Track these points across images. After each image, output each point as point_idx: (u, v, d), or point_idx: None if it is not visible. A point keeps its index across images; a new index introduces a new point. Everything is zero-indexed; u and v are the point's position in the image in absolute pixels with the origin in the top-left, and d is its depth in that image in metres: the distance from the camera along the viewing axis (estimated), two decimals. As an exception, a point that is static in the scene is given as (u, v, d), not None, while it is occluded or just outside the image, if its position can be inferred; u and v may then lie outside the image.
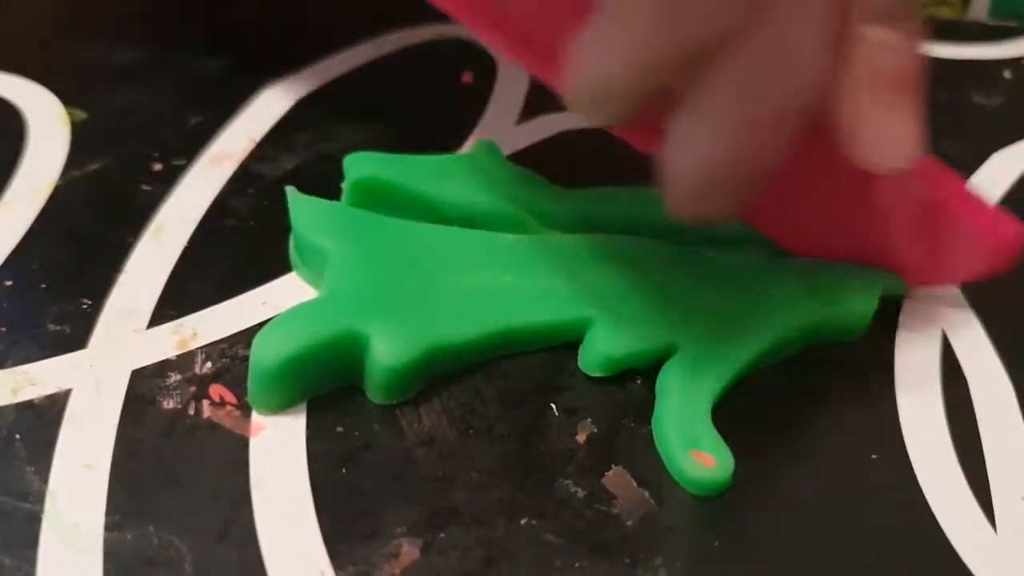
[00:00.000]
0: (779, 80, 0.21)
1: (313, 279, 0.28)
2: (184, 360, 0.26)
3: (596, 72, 0.22)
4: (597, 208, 0.30)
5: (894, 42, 0.23)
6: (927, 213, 0.27)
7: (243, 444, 0.25)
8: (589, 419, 0.26)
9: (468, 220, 0.29)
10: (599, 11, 0.21)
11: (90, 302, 0.27)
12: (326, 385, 0.25)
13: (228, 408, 0.25)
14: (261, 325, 0.26)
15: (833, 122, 0.23)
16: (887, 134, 0.23)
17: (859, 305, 0.28)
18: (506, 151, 0.32)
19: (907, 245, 0.28)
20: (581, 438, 0.25)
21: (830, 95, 0.23)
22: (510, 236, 0.28)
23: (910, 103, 0.23)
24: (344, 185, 0.29)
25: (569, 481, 0.24)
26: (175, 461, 0.24)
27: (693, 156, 0.22)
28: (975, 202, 0.27)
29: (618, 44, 0.21)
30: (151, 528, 0.23)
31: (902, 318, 0.29)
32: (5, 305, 0.27)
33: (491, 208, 0.29)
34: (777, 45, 0.21)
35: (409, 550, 0.23)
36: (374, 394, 0.25)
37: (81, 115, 0.33)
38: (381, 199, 0.29)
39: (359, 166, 0.29)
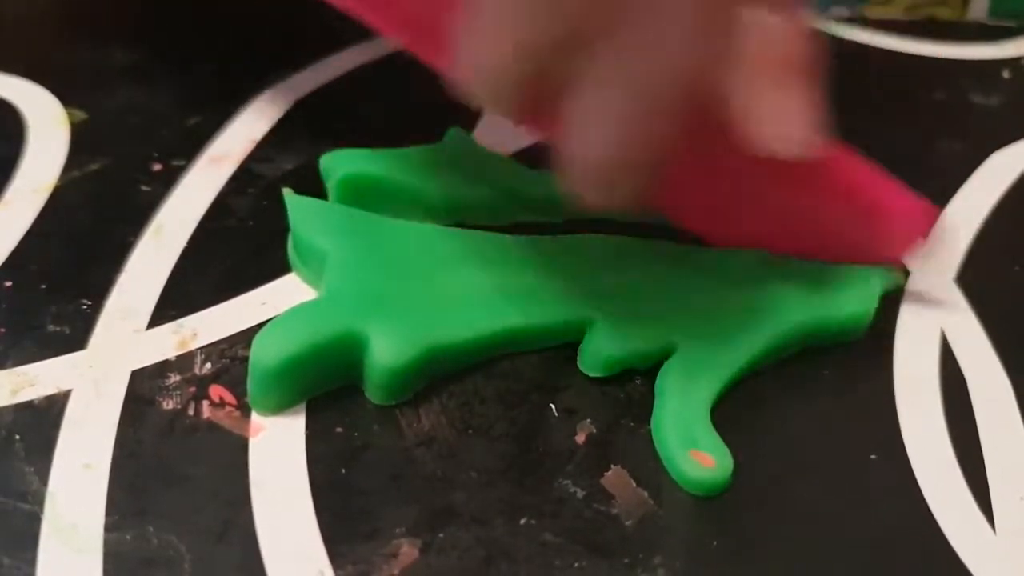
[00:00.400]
0: (656, 67, 0.21)
1: (312, 279, 0.28)
2: (184, 360, 0.26)
3: (480, 61, 0.22)
4: None
5: (780, 26, 0.23)
6: (840, 197, 0.28)
7: (242, 444, 0.25)
8: (588, 419, 0.26)
9: (455, 209, 0.29)
10: None
11: (90, 303, 0.27)
12: (325, 385, 0.25)
13: (228, 408, 0.25)
14: (261, 325, 0.26)
15: (727, 109, 0.23)
16: (778, 118, 0.23)
17: (858, 306, 0.28)
18: (507, 150, 0.32)
19: (823, 230, 0.28)
20: (580, 438, 0.25)
21: (721, 81, 0.23)
22: (509, 236, 0.28)
23: (800, 86, 0.23)
24: (329, 185, 0.29)
25: (568, 481, 0.24)
26: (175, 461, 0.24)
27: (584, 144, 0.22)
28: (885, 182, 0.28)
29: (498, 30, 0.21)
30: (151, 528, 0.23)
31: (901, 318, 0.29)
32: (4, 306, 0.27)
33: (477, 196, 0.29)
34: (652, 32, 0.21)
35: (408, 550, 0.23)
36: (373, 394, 0.25)
37: (81, 115, 0.33)
38: (367, 195, 0.29)
39: (341, 164, 0.29)
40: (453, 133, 0.31)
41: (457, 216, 0.29)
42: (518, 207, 0.30)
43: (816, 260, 0.28)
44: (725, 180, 0.27)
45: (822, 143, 0.24)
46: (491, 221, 0.30)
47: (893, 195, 0.28)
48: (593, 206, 0.24)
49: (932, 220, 0.28)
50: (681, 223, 0.29)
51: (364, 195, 0.29)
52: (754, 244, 0.28)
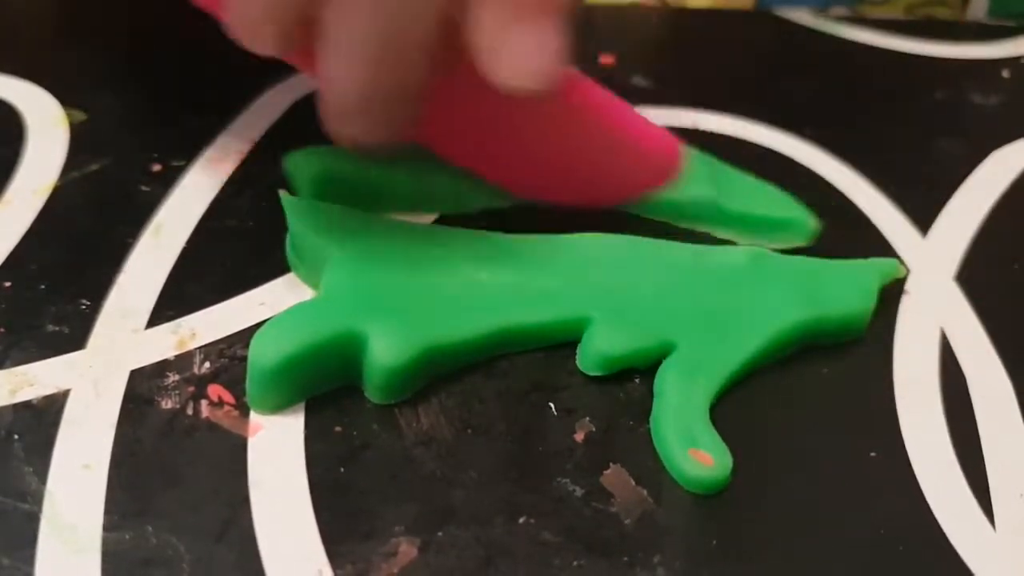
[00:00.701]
0: (391, 9, 0.22)
1: (311, 279, 0.28)
2: (182, 360, 0.26)
3: (246, 5, 0.23)
4: None
5: None
6: (591, 130, 0.29)
7: (241, 444, 0.25)
8: (587, 418, 0.26)
9: (422, 198, 0.30)
10: None
11: (89, 302, 0.27)
12: (324, 385, 0.25)
13: (226, 408, 0.25)
14: (259, 325, 0.25)
15: (473, 44, 0.23)
16: (516, 53, 0.23)
17: (857, 305, 0.28)
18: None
19: (577, 164, 0.29)
20: (579, 437, 0.25)
21: (470, 18, 0.23)
22: (508, 236, 0.28)
23: (541, 20, 0.23)
24: (297, 184, 0.29)
25: (567, 480, 0.24)
26: (173, 461, 0.24)
27: (335, 79, 0.24)
28: (633, 116, 0.29)
29: None
30: (150, 528, 0.23)
31: (901, 315, 0.29)
32: (4, 306, 0.27)
33: (446, 186, 0.30)
34: None
35: (407, 549, 0.23)
36: (372, 394, 0.25)
37: (80, 116, 0.33)
38: (335, 192, 0.29)
39: (307, 163, 0.29)
40: None
41: (426, 206, 0.30)
42: (484, 192, 0.30)
43: (816, 259, 0.29)
44: (480, 113, 0.27)
45: (562, 79, 0.24)
46: (458, 209, 0.30)
47: (640, 126, 0.30)
48: (353, 141, 0.25)
49: (678, 150, 0.30)
50: (448, 158, 0.29)
51: (333, 191, 0.29)
52: (515, 181, 0.29)
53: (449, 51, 0.23)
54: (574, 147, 0.29)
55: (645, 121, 0.30)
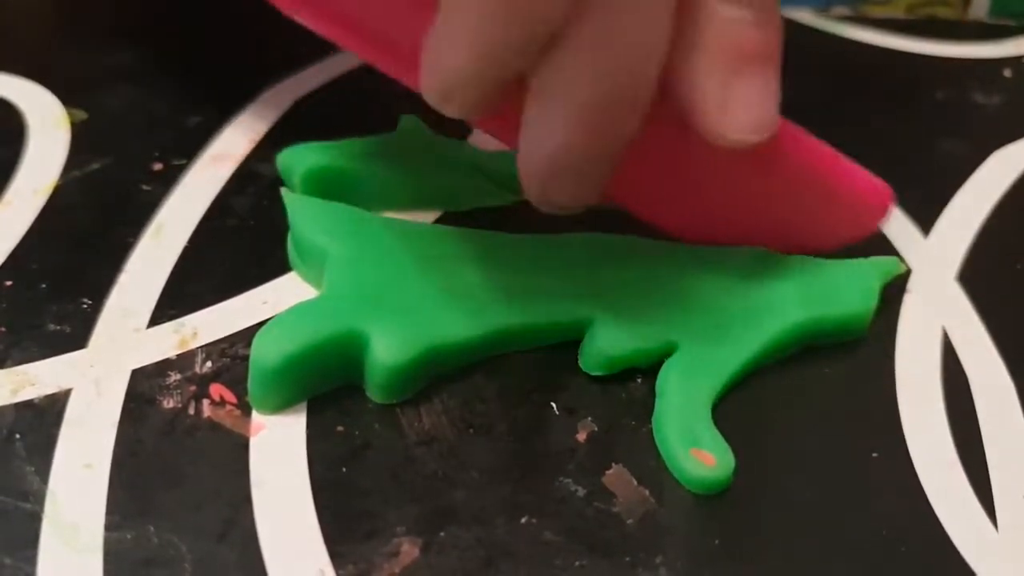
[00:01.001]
0: (618, 59, 0.21)
1: (313, 279, 0.28)
2: (184, 360, 0.26)
3: (443, 64, 0.22)
4: None
5: (739, 15, 0.23)
6: (800, 182, 0.28)
7: (243, 444, 0.25)
8: (589, 418, 0.26)
9: (417, 196, 0.30)
10: (441, 5, 0.22)
11: (90, 302, 0.27)
12: (326, 384, 0.25)
13: (228, 408, 0.25)
14: (261, 324, 0.25)
15: (686, 100, 0.23)
16: (736, 109, 0.23)
17: (859, 304, 0.28)
18: (508, 148, 0.32)
19: (786, 216, 0.28)
20: (581, 437, 0.25)
21: (682, 73, 0.23)
22: (510, 235, 0.28)
23: (758, 76, 0.23)
24: (291, 181, 0.29)
25: (569, 480, 0.24)
26: (175, 461, 0.24)
27: (544, 141, 0.23)
28: (841, 163, 0.28)
29: (459, 33, 0.21)
30: (151, 528, 0.23)
31: (902, 315, 0.29)
32: (5, 305, 0.27)
33: (437, 180, 0.30)
34: (613, 24, 0.21)
35: (409, 549, 0.23)
36: (374, 393, 0.25)
37: (81, 115, 0.33)
38: (329, 188, 0.29)
39: (301, 159, 0.29)
40: (405, 120, 0.31)
41: (426, 204, 0.30)
42: (479, 188, 0.30)
43: (816, 257, 0.28)
44: (683, 170, 0.27)
45: (778, 131, 0.24)
46: (459, 207, 0.30)
47: (849, 175, 0.28)
48: (557, 205, 0.24)
49: (888, 199, 0.29)
50: (642, 216, 0.29)
51: (327, 188, 0.29)
52: (714, 234, 0.28)
53: (656, 105, 0.23)
54: (772, 197, 0.28)
55: (854, 168, 0.28)
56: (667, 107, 0.23)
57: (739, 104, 0.23)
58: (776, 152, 0.26)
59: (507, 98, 0.23)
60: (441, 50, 0.22)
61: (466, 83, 0.22)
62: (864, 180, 0.28)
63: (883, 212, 0.29)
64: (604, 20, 0.21)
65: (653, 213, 0.28)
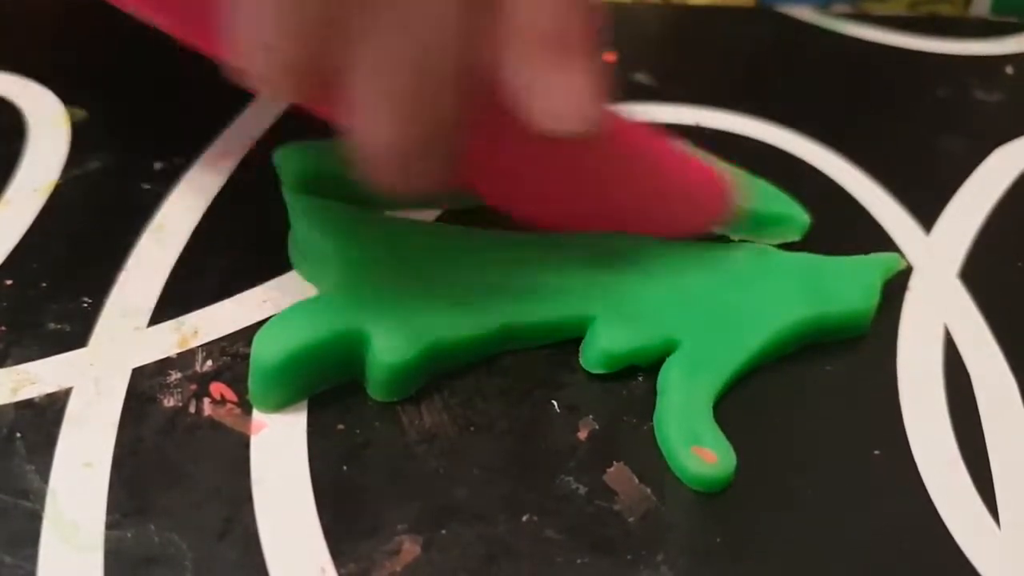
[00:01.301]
0: (417, 45, 0.21)
1: (313, 277, 0.28)
2: (185, 358, 0.26)
3: (247, 43, 0.22)
4: None
5: (556, 2, 0.22)
6: (643, 172, 0.28)
7: (244, 442, 0.25)
8: (590, 416, 0.26)
9: (424, 196, 0.29)
10: None
11: (90, 301, 0.27)
12: (327, 383, 0.25)
13: (229, 406, 0.25)
14: (262, 323, 0.25)
15: (509, 89, 0.22)
16: (554, 96, 0.22)
17: (861, 302, 0.28)
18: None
19: (630, 205, 0.28)
20: (582, 435, 0.25)
21: (503, 61, 0.22)
22: (511, 233, 0.28)
23: (580, 62, 0.22)
24: (286, 180, 0.29)
25: (571, 478, 0.24)
26: (176, 459, 0.24)
27: (366, 130, 0.22)
28: (685, 155, 0.28)
29: (260, 13, 0.21)
30: (152, 526, 0.23)
31: (904, 313, 0.29)
32: (5, 304, 0.27)
33: None
34: (404, 9, 0.21)
35: (410, 547, 0.23)
36: (375, 391, 0.25)
37: (81, 114, 0.33)
38: (330, 188, 0.29)
39: (296, 158, 0.29)
40: None
41: (421, 203, 0.30)
42: None
43: (818, 255, 0.28)
44: (524, 158, 0.26)
45: (608, 119, 0.23)
46: (460, 206, 0.30)
47: (688, 167, 0.28)
48: (395, 191, 0.23)
49: (728, 188, 0.29)
50: (490, 203, 0.28)
51: (326, 188, 0.29)
52: (563, 222, 0.28)
53: (487, 95, 0.23)
54: (617, 188, 0.28)
55: (695, 161, 0.29)
56: (497, 95, 0.23)
57: (553, 94, 0.22)
58: (614, 142, 0.26)
59: (327, 82, 0.22)
60: (244, 29, 0.21)
61: (280, 70, 0.22)
62: (703, 172, 0.29)
63: (724, 203, 0.29)
64: (406, 6, 0.21)
65: (504, 200, 0.28)
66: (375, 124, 0.22)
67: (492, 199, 0.28)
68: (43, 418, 0.25)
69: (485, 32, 0.22)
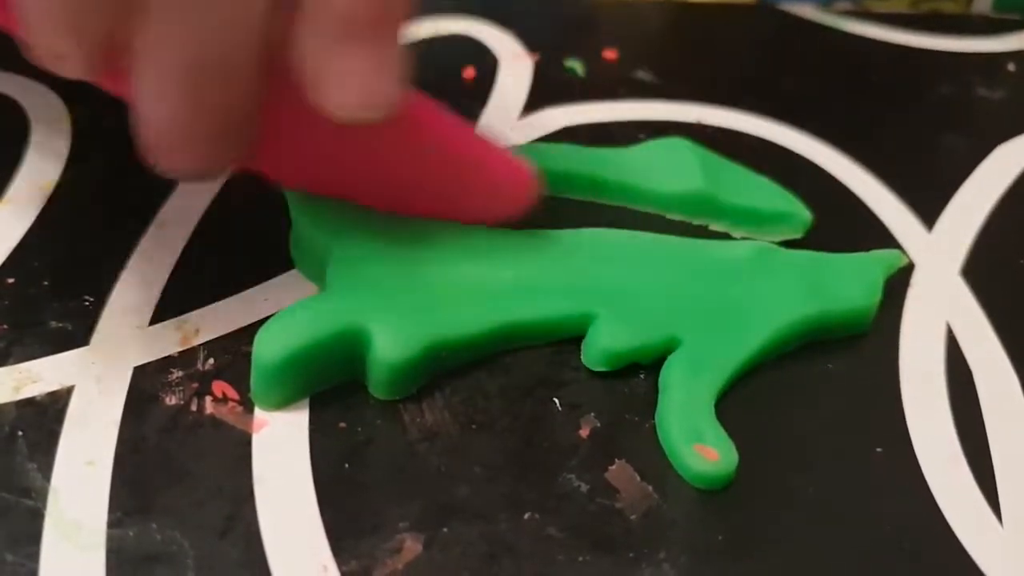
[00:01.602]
0: (205, 23, 0.20)
1: (314, 275, 0.28)
2: (186, 356, 0.26)
3: (41, 24, 0.20)
4: (549, 163, 0.30)
5: None
6: (441, 157, 0.27)
7: (246, 440, 0.25)
8: (592, 413, 0.26)
9: None
10: None
11: (92, 299, 0.27)
12: (328, 381, 0.25)
13: (230, 404, 0.25)
14: (263, 321, 0.25)
15: (299, 71, 0.22)
16: (349, 80, 0.21)
17: (863, 299, 0.28)
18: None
19: (430, 190, 0.28)
20: (584, 432, 0.25)
21: (293, 42, 0.21)
22: (512, 231, 0.28)
23: (372, 47, 0.21)
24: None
25: (572, 476, 0.24)
26: (177, 457, 0.24)
27: (153, 107, 0.21)
28: (486, 144, 0.28)
29: None
30: (154, 525, 0.23)
31: (907, 312, 0.29)
32: (7, 302, 0.27)
33: None
34: None
35: (412, 545, 0.23)
36: (376, 390, 0.25)
37: (83, 113, 0.33)
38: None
39: None
40: None
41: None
42: None
43: (818, 252, 0.28)
44: (317, 140, 0.26)
45: (399, 106, 0.22)
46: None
47: (491, 155, 0.28)
48: (183, 173, 0.23)
49: (530, 180, 0.28)
50: (282, 184, 0.28)
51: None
52: (365, 201, 0.28)
53: (278, 75, 0.22)
54: (414, 172, 0.27)
55: (496, 148, 0.29)
56: (287, 77, 0.22)
57: (345, 77, 0.21)
58: (410, 129, 0.26)
59: (123, 57, 0.21)
60: (31, 11, 0.20)
61: (64, 43, 0.20)
62: (506, 162, 0.28)
63: (527, 193, 0.28)
64: None
65: (296, 183, 0.28)
66: (156, 98, 0.21)
67: (281, 181, 0.28)
68: (45, 417, 0.25)
69: (279, 10, 0.21)
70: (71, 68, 0.21)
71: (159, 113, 0.22)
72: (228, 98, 0.21)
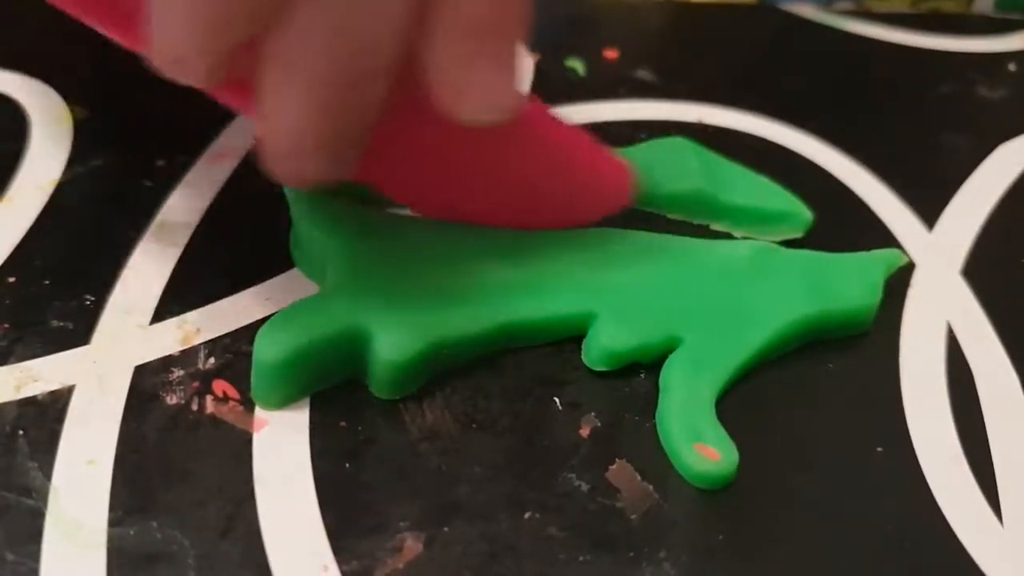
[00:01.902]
0: (352, 31, 0.20)
1: (315, 275, 0.28)
2: (187, 356, 0.26)
3: (168, 32, 0.21)
4: None
5: None
6: (550, 161, 0.28)
7: (246, 439, 0.25)
8: (593, 413, 0.26)
9: None
10: None
11: (93, 298, 0.27)
12: (329, 380, 0.25)
13: (231, 403, 0.25)
14: (264, 321, 0.25)
15: (426, 77, 0.22)
16: (485, 87, 0.22)
17: (863, 299, 0.28)
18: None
19: (539, 195, 0.28)
20: (585, 432, 0.25)
21: (422, 50, 0.21)
22: (512, 230, 0.28)
23: (500, 52, 0.22)
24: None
25: (573, 475, 0.24)
26: (178, 457, 0.24)
27: (281, 116, 0.22)
28: (591, 143, 0.28)
29: (179, 2, 0.20)
30: (154, 524, 0.23)
31: (907, 311, 0.29)
32: (8, 302, 0.27)
33: None
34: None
35: (412, 544, 0.23)
36: (377, 389, 0.25)
37: (84, 112, 0.33)
38: (326, 185, 0.28)
39: None
40: None
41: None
42: None
43: (820, 253, 0.28)
44: (431, 149, 0.26)
45: (523, 109, 0.23)
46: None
47: (596, 154, 0.29)
48: (300, 181, 0.23)
49: (630, 178, 0.29)
50: (394, 196, 0.28)
51: (322, 184, 0.29)
52: (468, 215, 0.28)
53: (400, 83, 0.22)
54: (523, 174, 0.28)
55: (597, 146, 0.29)
56: (416, 84, 0.22)
57: (474, 82, 0.22)
58: (525, 131, 0.26)
59: (243, 65, 0.21)
60: (163, 17, 0.20)
61: (196, 51, 0.21)
62: (608, 160, 0.29)
63: (628, 190, 0.29)
64: None
65: (408, 194, 0.28)
66: (292, 107, 0.21)
67: (393, 191, 0.28)
68: (46, 416, 0.25)
69: (415, 21, 0.21)
70: (193, 75, 0.21)
71: (288, 122, 0.22)
72: (358, 107, 0.22)
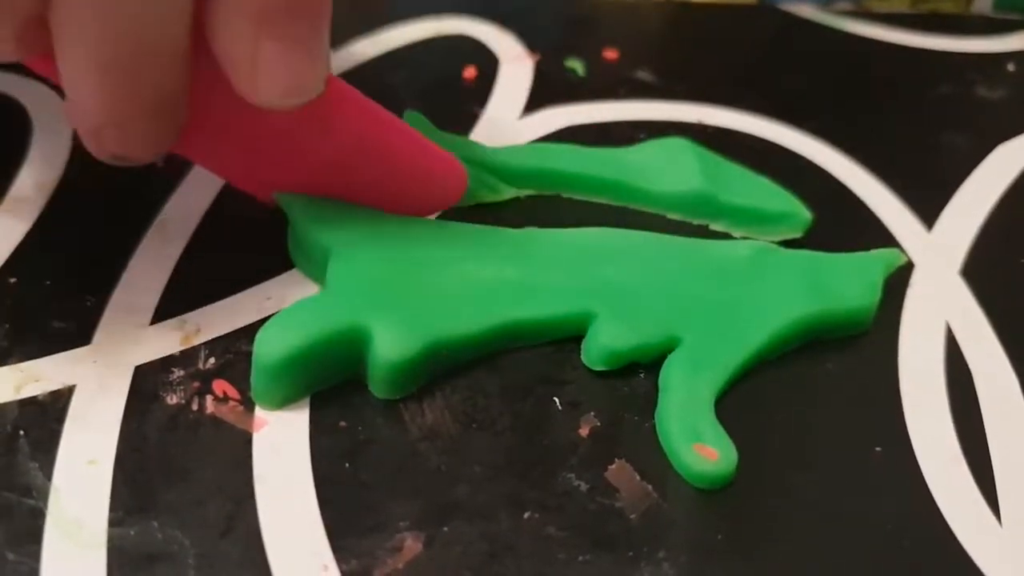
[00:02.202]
0: (122, 7, 0.20)
1: (315, 275, 0.28)
2: (187, 356, 0.26)
3: None
4: (549, 163, 0.30)
5: None
6: (363, 147, 0.27)
7: (246, 439, 0.25)
8: (592, 413, 0.26)
9: None
10: None
11: (93, 298, 0.27)
12: (329, 380, 0.25)
13: (231, 403, 0.25)
14: (264, 320, 0.26)
15: (221, 57, 0.21)
16: (275, 68, 0.21)
17: (862, 298, 0.28)
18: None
19: (356, 180, 0.28)
20: (584, 432, 0.25)
21: (215, 29, 0.21)
22: (512, 230, 0.28)
23: (293, 34, 0.21)
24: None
25: (572, 475, 0.24)
26: (178, 456, 0.24)
27: (76, 91, 0.21)
28: (414, 133, 0.29)
29: None
30: (155, 523, 0.23)
31: (906, 311, 0.29)
32: (9, 302, 0.27)
33: None
34: None
35: (412, 544, 0.23)
36: (377, 389, 0.25)
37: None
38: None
39: None
40: (408, 116, 0.31)
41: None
42: (481, 183, 0.30)
43: (820, 252, 0.28)
44: (245, 126, 0.26)
45: (321, 92, 0.22)
46: (460, 202, 0.30)
47: (417, 141, 0.29)
48: (116, 157, 0.23)
49: (458, 167, 0.29)
50: (212, 171, 0.28)
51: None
52: (277, 187, 0.28)
53: (204, 57, 0.22)
54: (335, 157, 0.27)
55: (421, 138, 0.29)
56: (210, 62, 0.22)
57: (267, 65, 0.21)
58: (333, 116, 0.26)
59: (46, 41, 0.21)
60: None
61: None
62: (432, 151, 0.29)
63: (457, 181, 0.29)
64: None
65: (224, 169, 0.28)
66: (80, 80, 0.21)
67: (203, 163, 0.28)
68: (46, 416, 0.25)
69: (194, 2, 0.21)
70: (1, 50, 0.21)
71: (83, 99, 0.21)
72: (151, 80, 0.21)
